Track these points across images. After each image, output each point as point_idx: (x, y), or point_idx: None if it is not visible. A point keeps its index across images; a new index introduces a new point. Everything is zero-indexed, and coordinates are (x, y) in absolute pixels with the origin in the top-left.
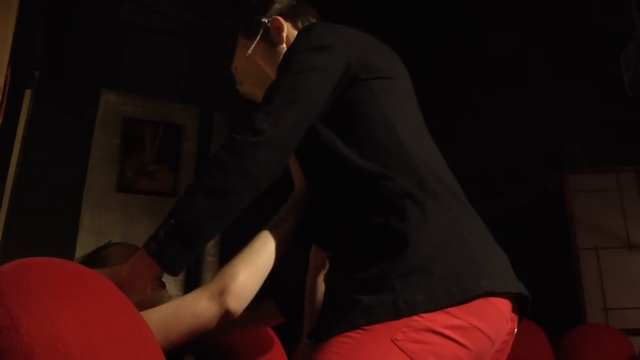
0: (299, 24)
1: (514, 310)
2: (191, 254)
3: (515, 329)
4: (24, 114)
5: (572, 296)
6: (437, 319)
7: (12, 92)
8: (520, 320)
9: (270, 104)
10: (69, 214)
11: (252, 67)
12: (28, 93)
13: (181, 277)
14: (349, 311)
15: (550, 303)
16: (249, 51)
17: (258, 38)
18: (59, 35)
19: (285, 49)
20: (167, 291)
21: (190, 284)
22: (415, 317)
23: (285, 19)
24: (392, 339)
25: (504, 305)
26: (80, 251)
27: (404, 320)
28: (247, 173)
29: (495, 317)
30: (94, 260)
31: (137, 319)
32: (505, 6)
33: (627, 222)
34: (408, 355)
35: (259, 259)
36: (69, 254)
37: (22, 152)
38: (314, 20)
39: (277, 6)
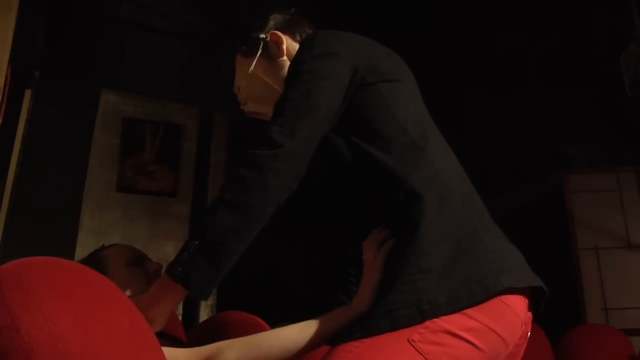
0: (297, 36)
1: (529, 309)
2: (219, 274)
3: (529, 333)
4: (24, 114)
5: (572, 296)
6: (454, 321)
7: (12, 92)
8: (535, 317)
9: (283, 115)
10: (69, 214)
11: (255, 84)
12: (28, 93)
13: None
14: (371, 311)
15: (550, 303)
16: (251, 68)
17: (259, 54)
18: (59, 35)
19: (287, 61)
20: None
21: None
22: (433, 319)
23: (283, 32)
24: (408, 340)
25: (520, 306)
26: (80, 251)
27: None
28: (268, 186)
29: (510, 320)
30: (92, 262)
31: (138, 318)
32: (506, 7)
33: (627, 222)
34: (424, 357)
35: (260, 350)
36: (69, 254)
37: (22, 152)
38: (311, 31)
39: (272, 22)
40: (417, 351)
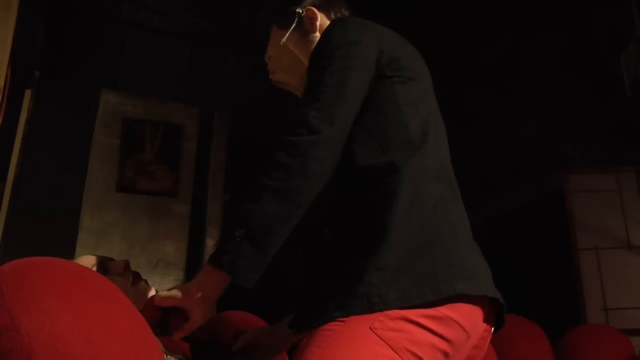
0: (332, 15)
1: (488, 318)
2: (265, 261)
3: (492, 328)
4: (24, 114)
5: (572, 296)
6: (414, 310)
7: (12, 92)
8: (495, 331)
9: (320, 100)
10: (69, 214)
11: (285, 55)
12: (28, 93)
13: (181, 276)
14: (327, 304)
15: (550, 303)
16: (284, 39)
17: (292, 27)
18: (59, 35)
19: (319, 37)
20: (150, 286)
21: None
22: (384, 311)
23: (319, 9)
24: (370, 328)
25: (479, 306)
26: (80, 251)
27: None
28: (310, 172)
29: (470, 312)
30: None
31: (138, 319)
32: (506, 7)
33: (627, 222)
34: (387, 343)
35: None
36: (69, 254)
37: (22, 152)
38: (346, 12)
39: None
40: (380, 338)
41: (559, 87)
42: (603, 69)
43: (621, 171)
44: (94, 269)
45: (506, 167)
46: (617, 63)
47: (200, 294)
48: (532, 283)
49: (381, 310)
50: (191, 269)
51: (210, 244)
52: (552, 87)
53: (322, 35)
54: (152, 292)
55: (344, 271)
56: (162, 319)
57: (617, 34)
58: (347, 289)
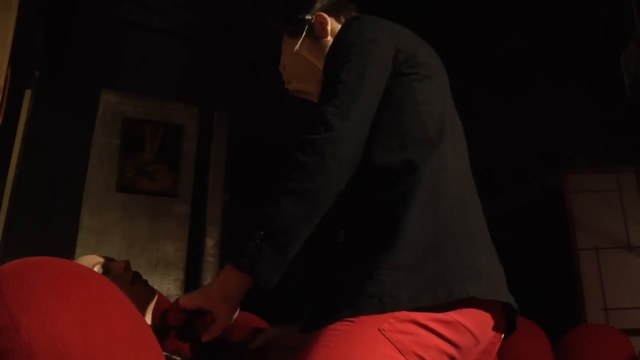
0: (342, 19)
1: (498, 324)
2: (285, 262)
3: (503, 334)
4: (24, 114)
5: (572, 296)
6: (424, 312)
7: (12, 92)
8: (507, 334)
9: (337, 97)
10: (69, 214)
11: (299, 62)
12: (28, 93)
13: (181, 276)
14: (337, 302)
15: (550, 303)
16: (296, 47)
17: (304, 34)
18: (60, 35)
19: (331, 41)
20: (151, 287)
21: (190, 284)
22: (394, 312)
23: (328, 14)
24: (379, 329)
25: (489, 311)
26: (80, 251)
27: (390, 312)
28: (329, 171)
29: (480, 317)
30: None
31: (138, 319)
32: (507, 8)
33: (627, 222)
34: (394, 346)
35: None
36: (69, 254)
37: (22, 152)
38: (355, 15)
39: (318, 4)
40: (388, 340)
41: (559, 87)
42: (603, 69)
43: (621, 171)
44: (94, 269)
45: (506, 167)
46: (617, 63)
47: (221, 294)
48: (532, 283)
49: (392, 311)
50: (191, 269)
51: (210, 244)
52: (552, 87)
53: (338, 34)
54: (153, 293)
55: (355, 269)
56: (188, 321)
57: (617, 34)
58: (358, 287)
